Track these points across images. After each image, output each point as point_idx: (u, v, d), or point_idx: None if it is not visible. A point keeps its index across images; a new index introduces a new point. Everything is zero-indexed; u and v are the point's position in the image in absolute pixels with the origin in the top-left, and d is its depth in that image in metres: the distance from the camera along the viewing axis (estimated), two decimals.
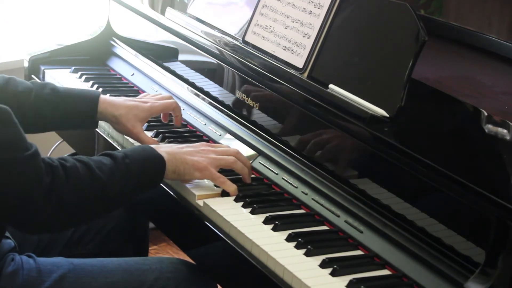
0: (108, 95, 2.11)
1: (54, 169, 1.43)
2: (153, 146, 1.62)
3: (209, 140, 1.89)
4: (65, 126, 1.90)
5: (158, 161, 1.57)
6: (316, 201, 1.61)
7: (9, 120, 1.40)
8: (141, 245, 2.00)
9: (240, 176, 1.68)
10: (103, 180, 1.47)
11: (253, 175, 1.73)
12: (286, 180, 1.69)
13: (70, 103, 1.81)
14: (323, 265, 1.41)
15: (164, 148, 1.62)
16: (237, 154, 1.68)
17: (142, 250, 2.01)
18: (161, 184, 1.70)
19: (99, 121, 1.89)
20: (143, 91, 2.20)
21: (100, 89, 2.16)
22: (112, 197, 1.51)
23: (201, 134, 1.93)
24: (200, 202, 1.61)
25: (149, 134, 1.88)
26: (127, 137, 1.85)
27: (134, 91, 2.23)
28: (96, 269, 1.58)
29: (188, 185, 1.66)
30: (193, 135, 1.92)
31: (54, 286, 1.53)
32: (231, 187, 1.63)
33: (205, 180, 1.68)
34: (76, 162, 1.47)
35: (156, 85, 2.19)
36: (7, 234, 1.60)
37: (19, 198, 1.40)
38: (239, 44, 1.92)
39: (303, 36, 1.76)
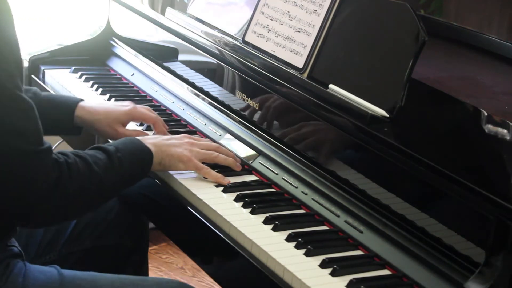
0: (108, 95, 2.12)
1: (61, 165, 1.46)
2: (139, 138, 1.66)
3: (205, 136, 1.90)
4: (45, 131, 1.90)
5: (146, 153, 1.63)
6: (316, 201, 1.61)
7: (32, 113, 1.43)
8: (140, 241, 1.99)
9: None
10: (100, 175, 1.52)
11: (253, 175, 1.73)
12: (286, 180, 1.69)
13: (48, 108, 1.82)
14: (323, 265, 1.41)
15: (150, 140, 1.67)
16: (218, 149, 1.73)
17: (141, 245, 2.01)
18: (159, 183, 1.71)
19: None
20: (143, 91, 2.20)
21: (100, 89, 2.16)
22: (107, 190, 1.56)
23: (201, 134, 1.93)
24: (200, 202, 1.61)
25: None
26: None
27: (134, 91, 2.23)
28: (85, 284, 1.56)
29: (188, 186, 1.66)
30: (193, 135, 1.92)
31: None
32: (216, 176, 1.67)
33: (204, 180, 1.68)
34: (76, 158, 1.51)
35: (156, 85, 2.19)
36: (14, 243, 1.60)
37: (28, 189, 1.42)
38: (239, 44, 1.92)
39: (303, 36, 1.76)
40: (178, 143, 1.69)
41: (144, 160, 1.62)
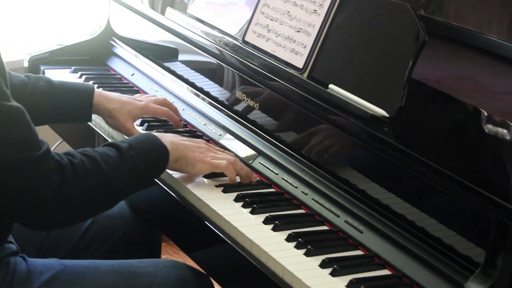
0: None
1: (64, 167, 1.43)
2: (156, 134, 1.63)
3: (209, 140, 1.89)
4: (60, 118, 1.89)
5: (162, 151, 1.59)
6: (316, 201, 1.61)
7: (22, 119, 1.40)
8: (152, 256, 1.91)
9: None
10: (109, 174, 1.48)
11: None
12: (286, 180, 1.69)
13: (65, 95, 1.82)
14: (323, 265, 1.41)
15: (168, 138, 1.63)
16: (234, 163, 1.68)
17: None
18: (162, 185, 1.71)
19: (98, 120, 1.89)
20: (143, 91, 2.20)
21: (100, 89, 2.16)
22: (117, 190, 1.53)
23: (201, 134, 1.93)
24: (200, 202, 1.61)
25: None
26: (124, 135, 1.85)
27: (134, 91, 2.22)
28: (88, 271, 1.56)
29: (188, 186, 1.66)
30: (193, 135, 1.92)
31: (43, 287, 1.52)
32: (232, 173, 1.65)
33: (205, 180, 1.68)
34: (83, 157, 1.47)
35: (156, 85, 2.19)
36: (10, 239, 1.59)
37: (28, 197, 1.40)
38: (239, 44, 1.92)
39: (303, 36, 1.76)
40: (196, 146, 1.67)
41: (159, 158, 1.59)
